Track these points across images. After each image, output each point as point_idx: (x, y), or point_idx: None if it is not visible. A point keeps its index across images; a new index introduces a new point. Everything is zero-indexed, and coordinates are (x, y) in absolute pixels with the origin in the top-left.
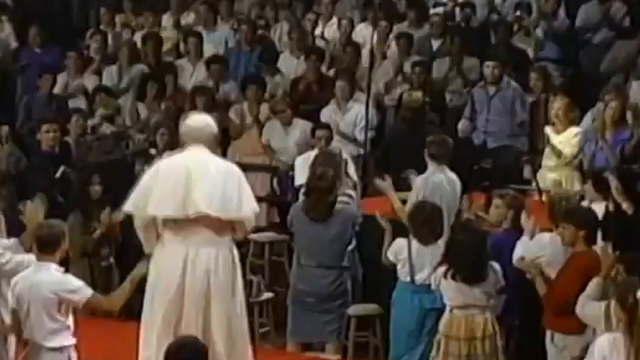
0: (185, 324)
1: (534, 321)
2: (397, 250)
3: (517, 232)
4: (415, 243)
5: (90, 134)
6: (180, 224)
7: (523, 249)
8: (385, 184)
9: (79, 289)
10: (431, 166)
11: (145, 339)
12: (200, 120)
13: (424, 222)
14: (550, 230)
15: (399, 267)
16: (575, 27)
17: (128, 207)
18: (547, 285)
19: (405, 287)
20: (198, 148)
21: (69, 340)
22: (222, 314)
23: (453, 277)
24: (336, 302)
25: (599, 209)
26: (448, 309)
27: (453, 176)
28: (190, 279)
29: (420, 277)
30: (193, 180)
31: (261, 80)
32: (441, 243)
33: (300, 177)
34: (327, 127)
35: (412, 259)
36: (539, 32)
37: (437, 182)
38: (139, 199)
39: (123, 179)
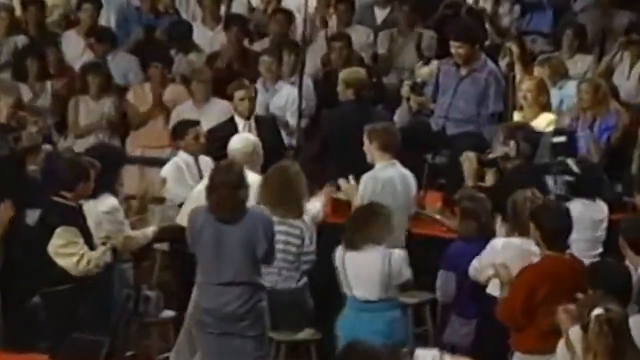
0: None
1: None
2: None
3: (483, 238)
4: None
5: None
6: None
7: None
8: (350, 186)
9: None
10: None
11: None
12: (238, 141)
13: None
14: None
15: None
16: None
17: (181, 220)
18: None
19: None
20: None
21: None
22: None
23: None
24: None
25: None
26: None
27: (405, 172)
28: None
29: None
30: None
31: (167, 57)
32: (381, 248)
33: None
34: (197, 123)
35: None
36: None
37: (386, 178)
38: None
39: (10, 179)
